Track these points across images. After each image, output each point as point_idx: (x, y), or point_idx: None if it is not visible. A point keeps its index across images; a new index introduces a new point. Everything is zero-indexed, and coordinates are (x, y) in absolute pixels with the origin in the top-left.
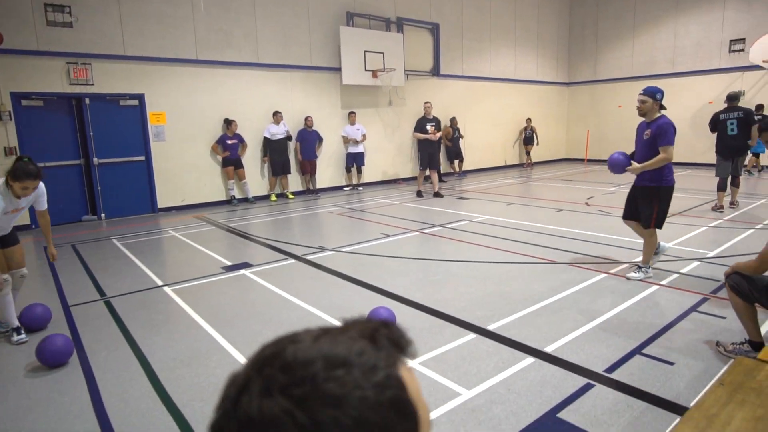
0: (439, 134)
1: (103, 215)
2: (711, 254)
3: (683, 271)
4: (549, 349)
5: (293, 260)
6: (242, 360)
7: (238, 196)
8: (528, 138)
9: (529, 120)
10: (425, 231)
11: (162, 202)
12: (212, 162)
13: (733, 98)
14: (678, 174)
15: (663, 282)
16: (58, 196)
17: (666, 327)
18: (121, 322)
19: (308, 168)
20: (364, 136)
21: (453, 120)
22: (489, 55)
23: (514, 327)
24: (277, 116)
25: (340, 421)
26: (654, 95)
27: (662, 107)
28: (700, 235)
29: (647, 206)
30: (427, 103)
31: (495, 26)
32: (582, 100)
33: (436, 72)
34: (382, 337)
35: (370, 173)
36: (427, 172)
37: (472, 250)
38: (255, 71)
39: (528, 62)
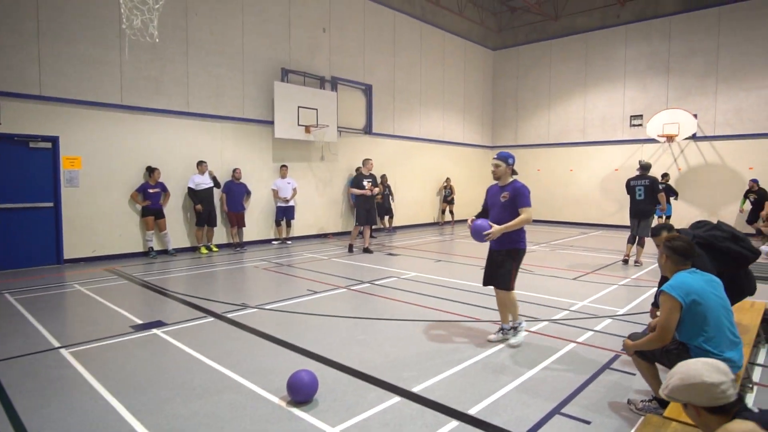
0: (376, 190)
1: None
2: (621, 311)
3: (597, 328)
4: (473, 411)
5: (212, 318)
6: None
7: (157, 247)
8: (447, 196)
9: (448, 179)
10: (353, 288)
11: (70, 252)
12: (130, 211)
13: (644, 168)
14: (590, 234)
15: (579, 339)
16: None
17: (583, 385)
18: (4, 392)
19: (235, 220)
20: (294, 190)
21: (384, 177)
22: (419, 117)
23: (439, 388)
24: (201, 166)
25: None
26: (506, 160)
27: (514, 172)
28: (612, 293)
29: (506, 268)
30: (369, 160)
31: (425, 90)
32: None
33: (368, 130)
34: None
35: (300, 227)
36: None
37: (399, 308)
38: (184, 120)
39: (455, 125)
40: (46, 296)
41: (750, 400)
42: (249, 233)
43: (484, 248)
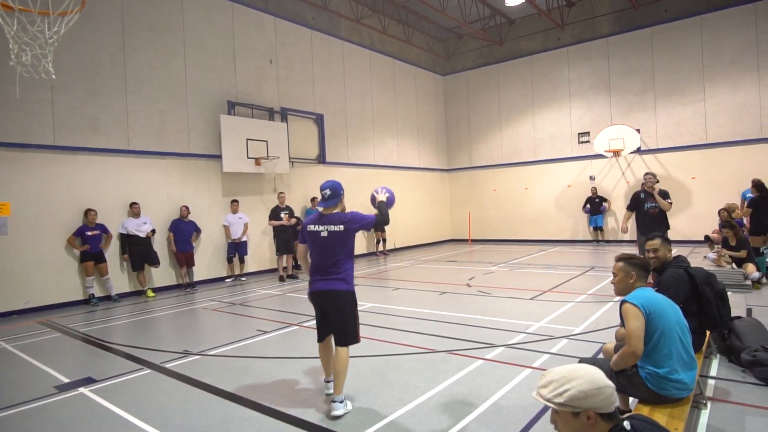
0: (292, 220)
1: None
2: (577, 330)
3: (553, 350)
4: None
5: (149, 370)
6: None
7: (98, 294)
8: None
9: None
10: (305, 324)
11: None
12: (68, 257)
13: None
14: (549, 251)
15: (534, 364)
16: None
17: (539, 414)
18: None
19: (183, 260)
20: (246, 226)
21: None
22: (373, 143)
23: (388, 430)
24: (134, 208)
25: None
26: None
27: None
28: (569, 311)
29: (351, 315)
30: (281, 193)
31: (378, 117)
32: (462, 185)
33: (321, 159)
34: None
35: (255, 262)
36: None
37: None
38: (124, 158)
39: (410, 150)
40: None
41: (704, 417)
42: (202, 272)
43: (442, 272)
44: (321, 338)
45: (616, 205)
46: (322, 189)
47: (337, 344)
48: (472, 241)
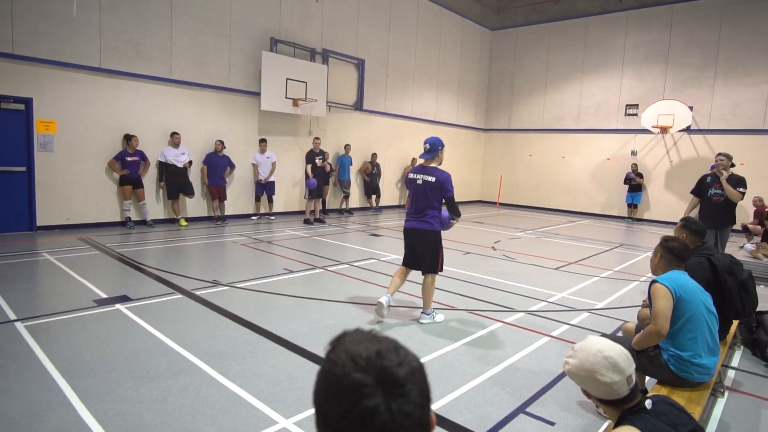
0: (327, 166)
1: None
2: (599, 305)
3: (573, 322)
4: (435, 407)
5: (180, 295)
6: (87, 417)
7: (134, 218)
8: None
9: (414, 160)
10: (330, 268)
11: (43, 219)
12: (107, 179)
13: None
14: (578, 223)
15: (553, 333)
16: None
17: (552, 382)
18: None
19: (216, 194)
20: (273, 165)
21: (373, 156)
22: (412, 95)
23: None
24: (174, 137)
25: (417, 367)
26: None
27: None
28: (592, 285)
29: (434, 250)
30: (317, 138)
31: (419, 68)
32: (496, 147)
33: (359, 106)
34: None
35: (284, 203)
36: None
37: (373, 292)
38: (165, 87)
39: (448, 106)
40: (12, 264)
41: (720, 405)
42: (233, 207)
43: (469, 232)
44: (404, 263)
45: (656, 184)
46: (424, 143)
47: (423, 272)
48: (501, 204)
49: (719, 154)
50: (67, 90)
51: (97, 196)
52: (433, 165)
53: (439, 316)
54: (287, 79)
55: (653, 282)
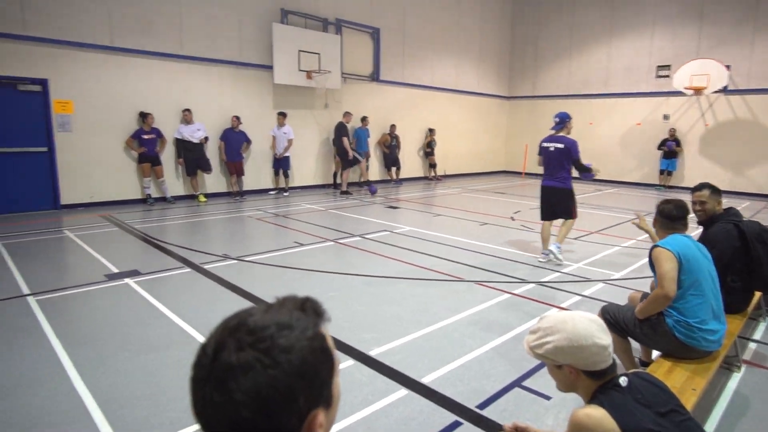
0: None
1: None
2: (616, 276)
3: (586, 293)
4: (426, 379)
5: (189, 269)
6: (80, 388)
7: (154, 195)
8: (431, 151)
9: (431, 131)
10: (341, 241)
11: (67, 197)
12: (126, 157)
13: None
14: (605, 191)
15: (563, 305)
16: None
17: None
18: None
19: (233, 169)
20: (290, 141)
21: (392, 127)
22: (431, 64)
23: (398, 352)
24: (185, 114)
25: (291, 362)
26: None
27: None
28: (611, 255)
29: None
30: (348, 112)
31: (438, 35)
32: (521, 115)
33: (375, 77)
34: (309, 308)
35: (301, 176)
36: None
37: (381, 264)
38: (177, 63)
39: (469, 73)
40: (33, 242)
41: (735, 380)
42: (252, 182)
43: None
44: (544, 218)
45: (690, 149)
46: (554, 117)
47: (563, 218)
48: (526, 174)
49: None
50: (80, 70)
51: (117, 174)
52: (561, 134)
53: (560, 255)
54: (299, 51)
55: (654, 247)
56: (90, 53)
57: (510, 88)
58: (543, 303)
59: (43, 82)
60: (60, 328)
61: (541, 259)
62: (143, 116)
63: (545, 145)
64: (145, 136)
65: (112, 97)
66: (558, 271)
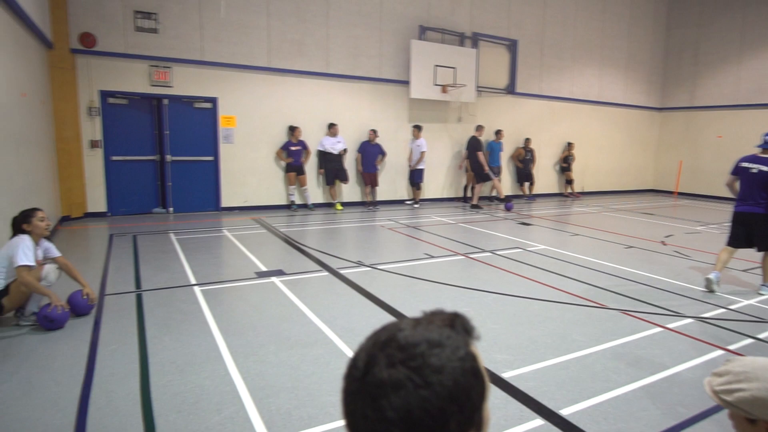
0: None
1: (171, 209)
2: None
3: (761, 336)
4: (565, 412)
5: (327, 273)
6: (234, 373)
7: (297, 202)
8: (567, 166)
9: (570, 145)
10: (471, 255)
11: (225, 201)
12: (275, 167)
13: None
14: None
15: (730, 347)
16: (134, 188)
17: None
18: (142, 317)
19: (368, 180)
20: (422, 154)
21: (527, 141)
22: (571, 75)
23: (533, 378)
24: (333, 128)
25: (443, 384)
26: None
27: None
28: None
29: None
30: (480, 126)
31: (579, 45)
32: (675, 128)
33: (511, 89)
34: (458, 325)
35: (434, 189)
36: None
37: (514, 283)
38: (324, 81)
39: (614, 83)
40: (200, 238)
41: None
42: (386, 193)
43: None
44: (730, 244)
45: None
46: (764, 135)
47: (759, 250)
48: (679, 194)
49: None
50: (243, 88)
51: (267, 182)
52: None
53: (717, 287)
54: (435, 65)
55: None
56: (251, 73)
57: (662, 99)
58: (705, 342)
59: (213, 100)
60: (218, 317)
61: (711, 282)
62: (292, 129)
63: (746, 165)
64: (293, 148)
65: (267, 112)
66: (723, 307)
